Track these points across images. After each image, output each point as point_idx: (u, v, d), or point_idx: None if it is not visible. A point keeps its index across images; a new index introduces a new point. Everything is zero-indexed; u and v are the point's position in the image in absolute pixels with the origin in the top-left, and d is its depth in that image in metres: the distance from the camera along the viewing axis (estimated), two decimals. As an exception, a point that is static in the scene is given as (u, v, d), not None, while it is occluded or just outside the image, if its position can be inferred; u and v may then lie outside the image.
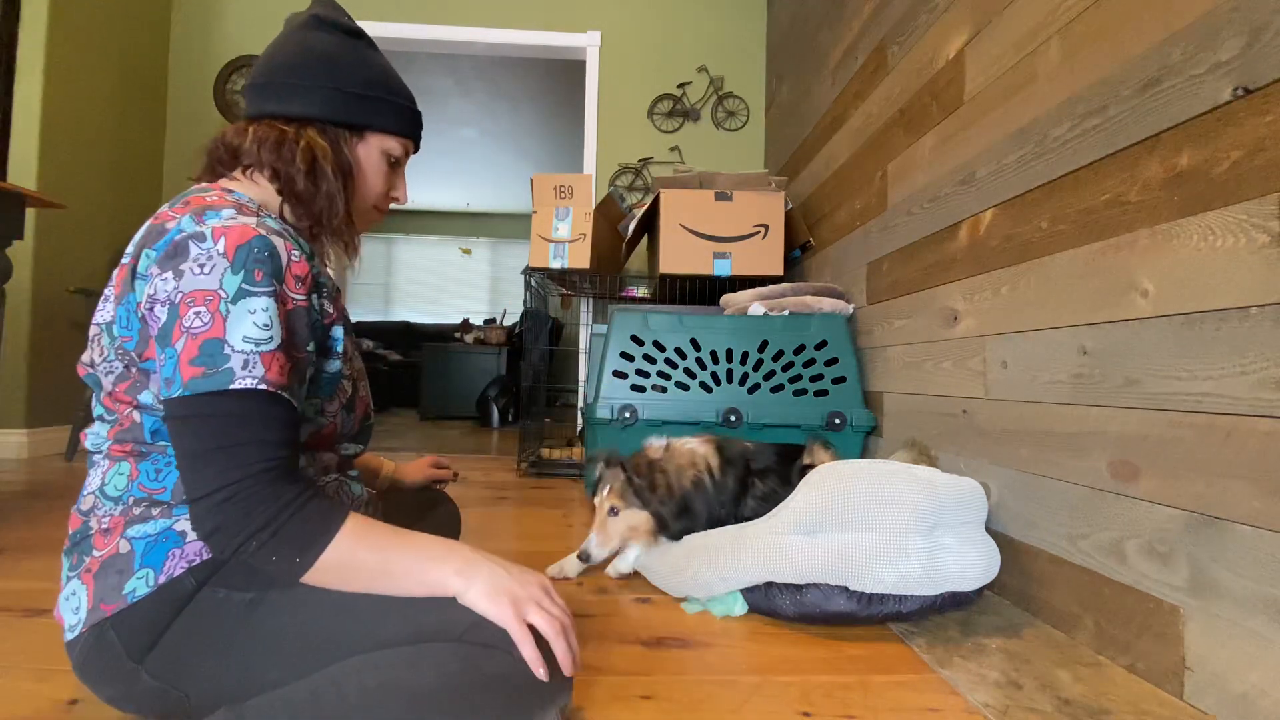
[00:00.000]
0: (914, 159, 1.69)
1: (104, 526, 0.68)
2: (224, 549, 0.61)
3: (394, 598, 0.65)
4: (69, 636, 0.66)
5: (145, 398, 0.68)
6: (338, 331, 0.77)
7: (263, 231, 0.66)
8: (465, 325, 6.05)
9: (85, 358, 0.73)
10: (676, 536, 1.28)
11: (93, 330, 0.71)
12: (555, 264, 2.43)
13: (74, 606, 0.66)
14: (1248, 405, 0.80)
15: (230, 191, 0.75)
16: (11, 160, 2.59)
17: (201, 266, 0.63)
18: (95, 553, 0.67)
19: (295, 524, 0.61)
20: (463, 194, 7.53)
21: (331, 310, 0.77)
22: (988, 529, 1.16)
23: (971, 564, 1.06)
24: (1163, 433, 0.92)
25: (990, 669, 0.94)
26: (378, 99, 0.81)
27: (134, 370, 0.68)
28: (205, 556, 0.66)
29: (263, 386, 0.62)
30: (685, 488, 1.30)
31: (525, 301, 2.81)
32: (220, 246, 0.63)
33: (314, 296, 0.72)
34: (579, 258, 2.42)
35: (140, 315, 0.66)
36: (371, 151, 0.82)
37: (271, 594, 0.66)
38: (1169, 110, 0.93)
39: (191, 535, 0.67)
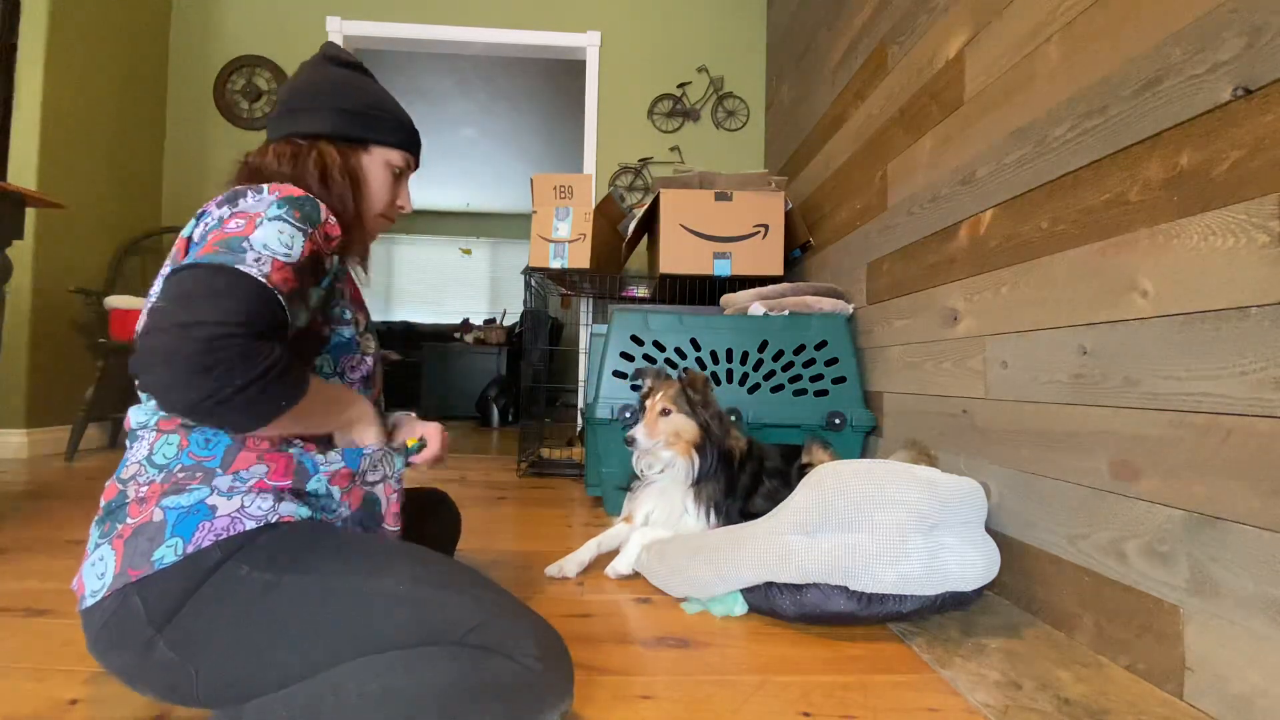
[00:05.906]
0: (914, 159, 1.69)
1: (140, 495, 0.71)
2: (215, 388, 0.61)
3: (406, 595, 0.67)
4: (89, 603, 0.67)
5: None
6: (343, 303, 0.86)
7: (310, 195, 0.78)
8: (465, 325, 6.05)
9: (140, 326, 0.74)
10: (706, 474, 1.36)
11: (151, 301, 0.75)
12: (555, 264, 2.43)
13: (99, 572, 0.67)
14: (1247, 405, 0.80)
15: None
16: (11, 160, 2.59)
17: (251, 200, 0.74)
18: (128, 520, 0.69)
19: (284, 377, 0.67)
20: (463, 194, 7.53)
21: (343, 286, 0.87)
22: (988, 529, 1.15)
23: (971, 564, 1.06)
24: (1163, 433, 0.92)
25: (990, 669, 0.94)
26: (376, 116, 0.93)
27: None
28: (234, 531, 0.68)
29: (263, 279, 0.66)
30: (729, 444, 1.41)
31: (525, 301, 2.81)
32: (274, 195, 0.75)
33: (335, 259, 0.82)
34: (579, 258, 2.42)
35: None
36: (376, 162, 0.94)
37: (288, 578, 0.67)
38: (1169, 110, 0.93)
39: (222, 509, 0.69)
